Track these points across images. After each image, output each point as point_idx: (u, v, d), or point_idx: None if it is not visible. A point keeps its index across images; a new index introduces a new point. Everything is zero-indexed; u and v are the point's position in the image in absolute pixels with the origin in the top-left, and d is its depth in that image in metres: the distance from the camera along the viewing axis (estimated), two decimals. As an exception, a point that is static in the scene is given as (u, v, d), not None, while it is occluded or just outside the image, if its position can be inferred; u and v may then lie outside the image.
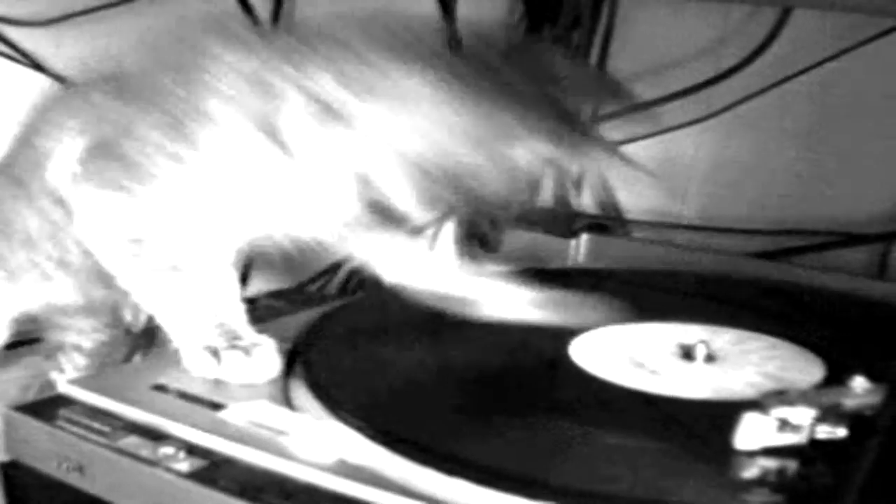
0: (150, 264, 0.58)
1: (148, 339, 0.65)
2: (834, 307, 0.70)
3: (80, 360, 0.65)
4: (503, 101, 0.55)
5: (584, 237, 0.87)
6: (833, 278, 0.76)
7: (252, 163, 0.57)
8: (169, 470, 0.47)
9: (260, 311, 0.68)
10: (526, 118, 0.55)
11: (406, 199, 0.56)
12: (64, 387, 0.55)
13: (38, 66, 0.87)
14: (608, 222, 0.92)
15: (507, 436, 0.50)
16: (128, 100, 0.59)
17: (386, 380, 0.57)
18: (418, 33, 0.57)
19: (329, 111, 0.55)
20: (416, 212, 0.57)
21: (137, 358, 0.66)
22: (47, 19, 0.87)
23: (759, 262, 0.83)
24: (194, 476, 0.46)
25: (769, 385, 0.54)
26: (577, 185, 0.92)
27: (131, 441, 0.49)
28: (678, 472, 0.46)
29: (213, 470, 0.47)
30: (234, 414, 0.52)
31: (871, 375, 0.48)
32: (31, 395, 0.59)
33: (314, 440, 0.48)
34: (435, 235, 0.68)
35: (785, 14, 0.85)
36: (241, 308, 0.59)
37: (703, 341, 0.59)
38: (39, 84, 0.85)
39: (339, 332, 0.64)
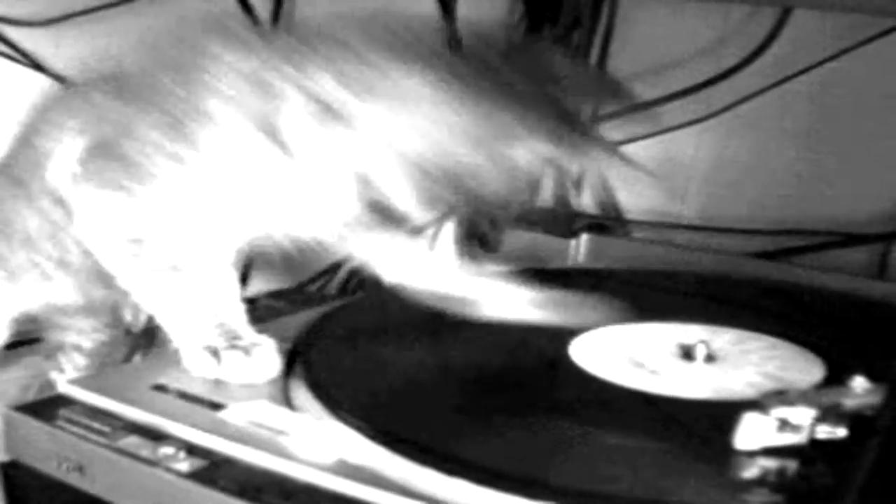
0: (150, 264, 0.58)
1: (148, 339, 0.65)
2: (834, 307, 0.70)
3: (80, 360, 0.65)
4: (503, 101, 0.55)
5: (584, 237, 0.87)
6: (833, 278, 0.76)
7: (252, 163, 0.57)
8: (169, 470, 0.47)
9: (260, 311, 0.68)
10: (526, 118, 0.55)
11: (406, 199, 0.56)
12: (64, 387, 0.55)
13: (38, 66, 0.87)
14: (608, 222, 0.92)
15: (507, 436, 0.50)
16: (128, 100, 0.59)
17: (386, 380, 0.57)
18: (418, 33, 0.57)
19: (329, 111, 0.55)
20: (416, 212, 0.57)
21: (137, 358, 0.66)
22: (47, 19, 0.88)
23: (759, 262, 0.83)
24: (194, 476, 0.46)
25: (769, 385, 0.54)
26: (577, 185, 0.92)
27: (131, 441, 0.49)
28: (678, 472, 0.46)
29: (213, 470, 0.47)
30: (234, 414, 0.52)
31: (871, 375, 0.48)
32: (31, 395, 0.58)
33: (314, 440, 0.48)
34: (435, 235, 0.68)
35: (785, 14, 0.85)
36: (241, 308, 0.59)
37: (703, 341, 0.59)
38: (39, 84, 0.86)
39: (339, 332, 0.64)
